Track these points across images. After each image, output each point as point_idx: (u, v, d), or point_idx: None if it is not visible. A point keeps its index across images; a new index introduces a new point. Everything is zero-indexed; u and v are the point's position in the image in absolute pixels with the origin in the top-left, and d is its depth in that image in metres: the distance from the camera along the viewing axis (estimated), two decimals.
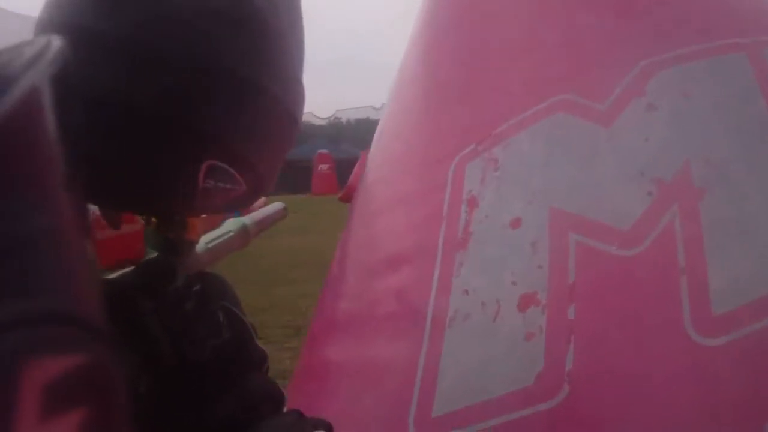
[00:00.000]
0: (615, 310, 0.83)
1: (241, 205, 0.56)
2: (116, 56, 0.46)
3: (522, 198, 0.95)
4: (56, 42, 0.24)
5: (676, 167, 0.88)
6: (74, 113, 0.35)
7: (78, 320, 0.24)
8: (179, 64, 0.47)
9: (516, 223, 0.93)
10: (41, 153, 0.23)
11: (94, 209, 0.51)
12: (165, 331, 0.51)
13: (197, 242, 0.61)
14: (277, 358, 3.08)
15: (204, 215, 0.58)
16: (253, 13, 0.50)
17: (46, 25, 0.49)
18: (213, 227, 0.67)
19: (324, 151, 20.44)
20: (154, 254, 0.55)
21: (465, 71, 1.17)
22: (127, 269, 0.54)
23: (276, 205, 0.79)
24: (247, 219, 0.71)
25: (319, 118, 40.95)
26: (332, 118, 41.50)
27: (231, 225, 0.69)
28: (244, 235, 0.70)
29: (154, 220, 0.55)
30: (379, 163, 1.24)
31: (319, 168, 19.26)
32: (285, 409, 0.59)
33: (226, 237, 0.67)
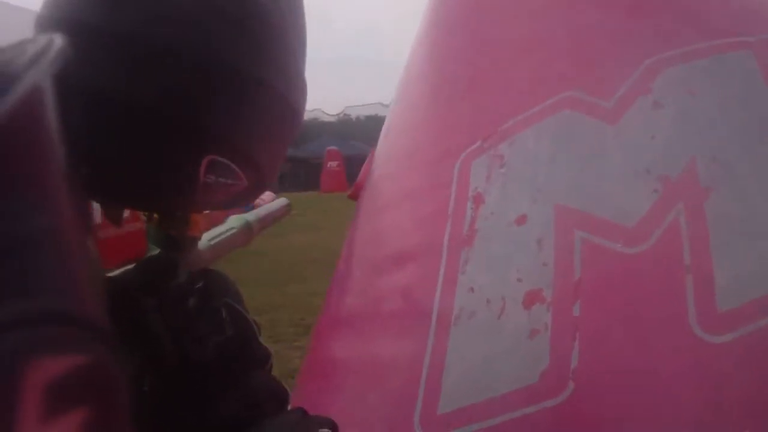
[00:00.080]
0: (620, 307, 0.83)
1: (243, 201, 0.57)
2: (117, 54, 0.46)
3: (528, 195, 0.95)
4: (58, 40, 0.24)
5: (682, 165, 0.88)
6: (75, 111, 0.36)
7: (79, 320, 0.24)
8: (181, 62, 0.47)
9: (522, 220, 0.93)
10: (43, 152, 0.24)
11: (98, 208, 0.52)
12: (167, 328, 0.51)
13: (200, 239, 0.61)
14: (286, 356, 3.09)
15: (206, 211, 0.58)
16: (255, 10, 0.50)
17: (46, 22, 0.49)
18: (216, 224, 0.68)
19: (333, 148, 20.42)
20: (156, 251, 0.56)
21: (471, 69, 1.17)
22: (129, 266, 0.54)
23: (279, 202, 0.79)
24: (251, 216, 0.71)
25: (328, 114, 40.92)
26: (342, 115, 41.44)
27: (234, 222, 0.69)
28: (248, 231, 0.70)
29: (156, 216, 0.56)
30: (385, 159, 1.24)
31: (328, 165, 19.24)
32: (289, 407, 0.59)
33: (229, 234, 0.67)
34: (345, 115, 41.48)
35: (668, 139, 0.90)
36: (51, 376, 0.21)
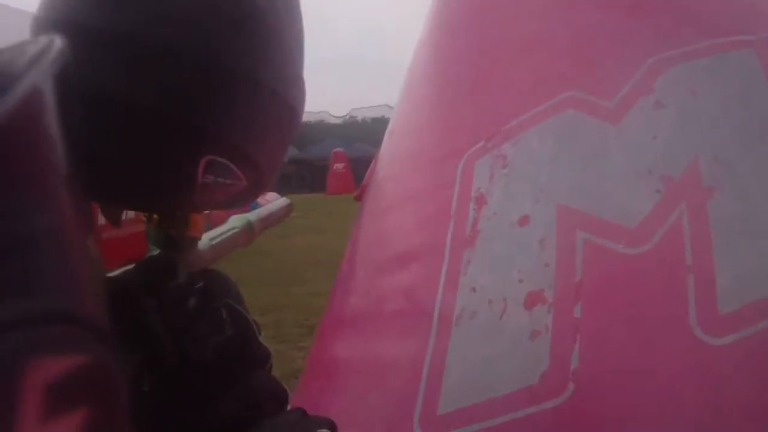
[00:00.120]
0: (621, 308, 0.83)
1: (242, 201, 0.57)
2: (118, 54, 0.46)
3: (530, 195, 0.95)
4: (58, 41, 0.25)
5: (685, 165, 0.88)
6: (76, 112, 0.36)
7: (80, 320, 0.24)
8: (181, 62, 0.47)
9: (524, 221, 0.93)
10: (43, 152, 0.23)
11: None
12: (167, 328, 0.51)
13: (200, 239, 0.61)
14: (290, 356, 3.09)
15: (206, 211, 0.58)
16: (252, 11, 0.50)
17: (44, 23, 0.49)
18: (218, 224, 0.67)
19: (339, 149, 20.41)
20: (156, 251, 0.56)
21: (474, 70, 1.17)
22: (129, 266, 0.54)
23: (281, 202, 0.79)
24: (252, 215, 0.71)
25: (334, 117, 40.90)
26: (347, 117, 41.41)
27: (235, 222, 0.69)
28: (249, 232, 0.70)
29: (155, 217, 0.56)
30: (389, 160, 1.25)
31: (334, 167, 19.23)
32: (289, 407, 0.59)
33: (230, 234, 0.67)
34: (351, 117, 41.44)
35: (670, 139, 0.90)
36: (52, 376, 0.21)
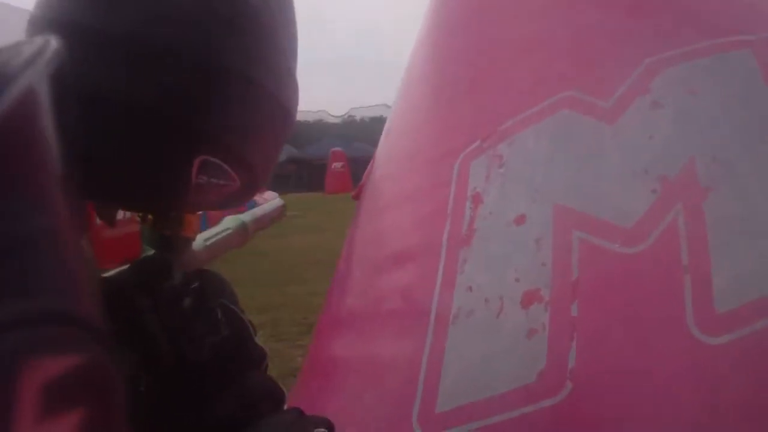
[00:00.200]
0: (618, 307, 0.83)
1: (236, 202, 0.57)
2: (117, 54, 0.46)
3: (526, 195, 0.95)
4: (54, 42, 0.25)
5: (681, 165, 0.88)
6: (71, 112, 0.36)
7: (77, 320, 0.24)
8: (179, 63, 0.47)
9: (520, 220, 0.93)
10: (38, 153, 0.24)
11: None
12: (163, 328, 0.51)
13: (194, 239, 0.61)
14: (289, 355, 3.09)
15: (200, 212, 0.58)
16: (246, 11, 0.50)
17: (41, 22, 0.49)
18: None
19: (338, 149, 20.39)
20: (151, 252, 0.56)
21: (472, 70, 1.17)
22: (124, 267, 0.54)
23: (275, 203, 0.79)
24: (246, 216, 0.71)
25: (333, 116, 40.87)
26: (346, 116, 41.39)
27: (229, 222, 0.69)
28: (243, 232, 0.70)
29: (150, 217, 0.56)
30: (386, 160, 1.25)
31: (333, 166, 19.22)
32: (286, 407, 0.59)
33: (224, 234, 0.67)
34: (349, 116, 41.42)
35: (667, 139, 0.90)
36: (49, 376, 0.21)
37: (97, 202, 0.52)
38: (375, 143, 1.36)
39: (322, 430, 0.55)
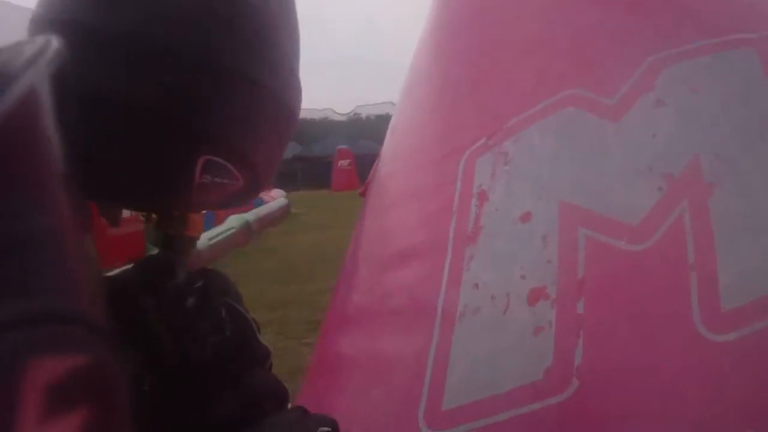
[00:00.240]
0: (624, 305, 0.83)
1: (239, 201, 0.57)
2: (118, 54, 0.46)
3: (532, 192, 0.95)
4: (55, 41, 0.25)
5: (686, 162, 0.87)
6: (72, 112, 0.36)
7: (79, 320, 0.24)
8: (179, 63, 0.47)
9: (526, 217, 0.93)
10: (40, 153, 0.24)
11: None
12: (167, 327, 0.51)
13: (198, 238, 0.61)
14: (296, 353, 3.10)
15: (203, 211, 0.58)
16: (247, 10, 0.50)
17: (44, 22, 0.49)
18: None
19: (344, 146, 20.41)
20: (155, 251, 0.56)
21: (475, 70, 1.17)
22: (127, 266, 0.54)
23: (279, 201, 0.79)
24: (250, 215, 0.71)
25: (339, 114, 40.90)
26: (352, 114, 41.39)
27: (233, 221, 0.69)
28: (247, 231, 0.70)
29: (154, 216, 0.56)
30: (391, 157, 1.25)
31: (339, 164, 19.24)
32: (290, 405, 0.59)
33: (228, 233, 0.67)
34: (355, 114, 41.43)
35: (671, 137, 0.90)
36: (51, 376, 0.21)
37: (99, 201, 0.52)
38: (381, 141, 1.35)
39: (326, 429, 0.55)
